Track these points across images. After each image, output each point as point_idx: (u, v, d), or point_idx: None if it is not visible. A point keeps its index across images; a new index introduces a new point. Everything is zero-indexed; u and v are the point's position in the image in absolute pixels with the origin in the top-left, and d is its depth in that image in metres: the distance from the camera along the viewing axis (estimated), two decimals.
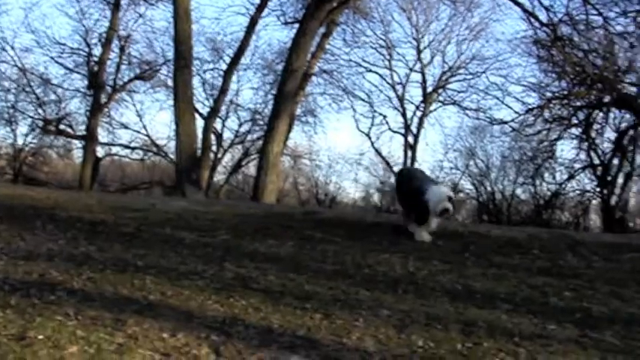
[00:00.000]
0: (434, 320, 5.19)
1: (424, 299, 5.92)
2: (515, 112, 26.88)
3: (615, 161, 26.10)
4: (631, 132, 25.35)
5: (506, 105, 28.38)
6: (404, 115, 34.33)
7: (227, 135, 34.00)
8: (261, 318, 5.09)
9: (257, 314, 5.19)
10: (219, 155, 33.32)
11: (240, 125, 33.69)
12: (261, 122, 30.58)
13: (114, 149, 32.73)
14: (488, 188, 31.58)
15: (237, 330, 4.73)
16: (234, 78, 28.56)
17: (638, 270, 7.58)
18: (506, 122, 27.43)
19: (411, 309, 5.52)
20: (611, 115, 25.39)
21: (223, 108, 30.14)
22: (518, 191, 29.96)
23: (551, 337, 4.98)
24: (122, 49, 29.41)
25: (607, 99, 24.29)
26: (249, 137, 33.59)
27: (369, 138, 35.09)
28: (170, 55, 24.86)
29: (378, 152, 35.70)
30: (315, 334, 4.75)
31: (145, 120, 33.86)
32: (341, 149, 55.50)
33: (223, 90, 26.41)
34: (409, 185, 8.87)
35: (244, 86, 37.74)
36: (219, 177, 35.00)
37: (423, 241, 8.32)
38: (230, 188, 35.93)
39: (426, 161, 49.32)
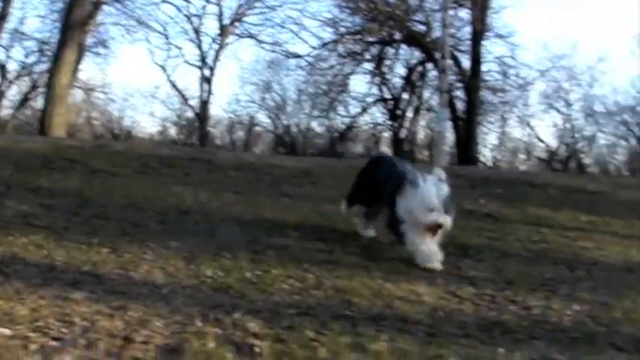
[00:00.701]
0: (224, 250, 5.17)
1: (215, 230, 5.89)
2: (311, 47, 27.26)
3: (405, 96, 27.29)
4: (420, 68, 26.52)
5: (302, 39, 28.67)
6: (200, 47, 33.79)
7: (13, 66, 31.91)
8: (43, 256, 4.82)
9: (39, 252, 4.91)
10: (3, 88, 31.29)
11: (26, 56, 31.71)
12: (50, 53, 28.92)
13: None
14: (285, 121, 32.02)
15: (16, 269, 4.44)
16: (17, 4, 26.78)
17: None
18: (301, 56, 27.79)
19: (201, 240, 5.48)
20: (402, 51, 26.39)
21: (6, 36, 28.19)
22: (314, 124, 30.61)
23: (338, 263, 5.13)
24: None
25: (398, 36, 25.22)
26: (36, 69, 31.71)
27: (165, 71, 34.30)
28: None
29: (173, 85, 34.98)
30: (101, 269, 4.57)
31: None
32: (136, 82, 53.81)
33: (3, 16, 24.67)
34: (382, 173, 5.84)
35: (30, 14, 35.46)
36: (6, 112, 32.93)
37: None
38: (18, 123, 33.93)
39: (222, 94, 49.19)
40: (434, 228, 5.05)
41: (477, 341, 3.55)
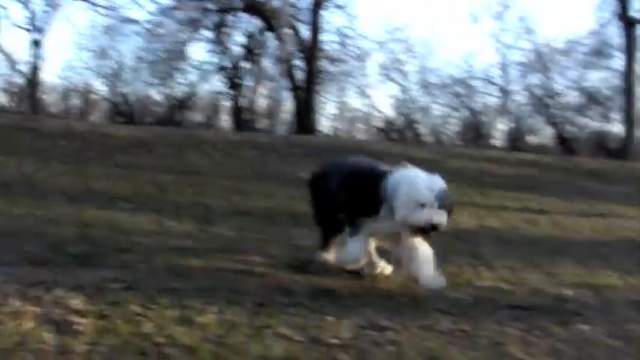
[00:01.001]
0: (48, 223, 4.95)
1: (41, 201, 5.62)
2: (149, 12, 26.59)
3: (245, 64, 27.16)
4: (259, 37, 26.45)
5: (139, 4, 27.83)
6: (28, 8, 32.05)
7: None
8: None
9: None
10: None
11: None
12: None
13: None
14: (122, 89, 31.04)
15: None
16: None
17: (258, 165, 7.97)
18: (138, 22, 26.99)
19: (25, 212, 5.21)
20: (241, 19, 26.21)
21: None
22: (152, 92, 29.85)
23: (170, 233, 5.05)
24: None
25: (237, 4, 25.03)
26: None
27: None
28: None
29: (0, 49, 33.08)
30: None
31: None
32: None
33: None
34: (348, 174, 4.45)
35: None
36: None
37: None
38: None
39: (57, 60, 47.13)
40: (426, 229, 3.96)
41: (306, 310, 3.56)
